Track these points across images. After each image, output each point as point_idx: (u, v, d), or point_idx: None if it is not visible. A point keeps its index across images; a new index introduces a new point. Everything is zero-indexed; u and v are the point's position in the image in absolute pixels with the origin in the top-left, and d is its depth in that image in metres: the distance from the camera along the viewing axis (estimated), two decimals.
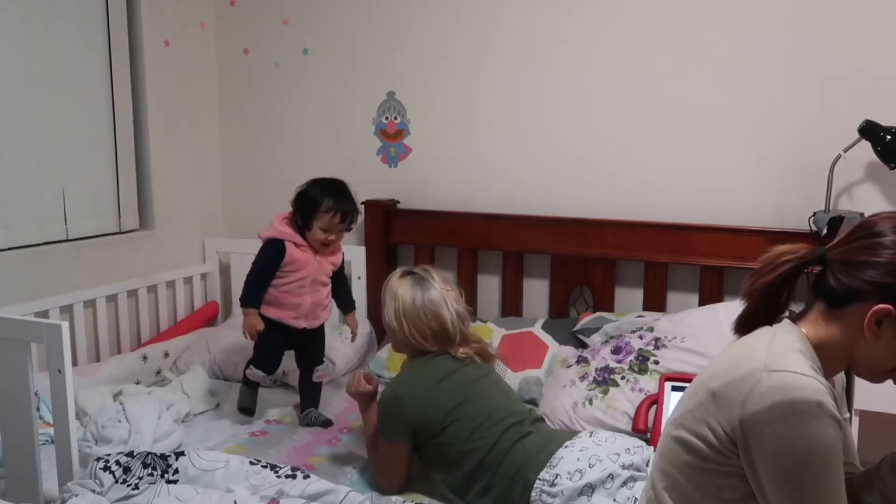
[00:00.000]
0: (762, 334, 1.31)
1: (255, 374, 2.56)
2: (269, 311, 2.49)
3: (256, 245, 3.33)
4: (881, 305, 1.22)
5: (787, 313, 1.35)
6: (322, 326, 2.62)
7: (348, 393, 2.23)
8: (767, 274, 1.32)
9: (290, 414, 2.67)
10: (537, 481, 1.90)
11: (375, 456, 2.13)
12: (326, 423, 2.53)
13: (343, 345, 2.93)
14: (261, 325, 2.46)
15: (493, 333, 2.85)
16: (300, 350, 2.63)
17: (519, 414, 2.09)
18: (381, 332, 3.22)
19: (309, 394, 2.61)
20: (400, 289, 2.15)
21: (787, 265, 1.31)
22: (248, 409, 2.59)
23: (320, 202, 2.42)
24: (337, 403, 2.75)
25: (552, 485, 1.87)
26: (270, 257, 2.46)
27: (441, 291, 2.13)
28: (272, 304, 2.49)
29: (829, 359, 1.29)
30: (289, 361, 2.70)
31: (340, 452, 2.37)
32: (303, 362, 2.63)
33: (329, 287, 2.58)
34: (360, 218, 2.76)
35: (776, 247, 1.34)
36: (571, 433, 2.15)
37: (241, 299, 2.51)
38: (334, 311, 2.70)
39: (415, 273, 2.19)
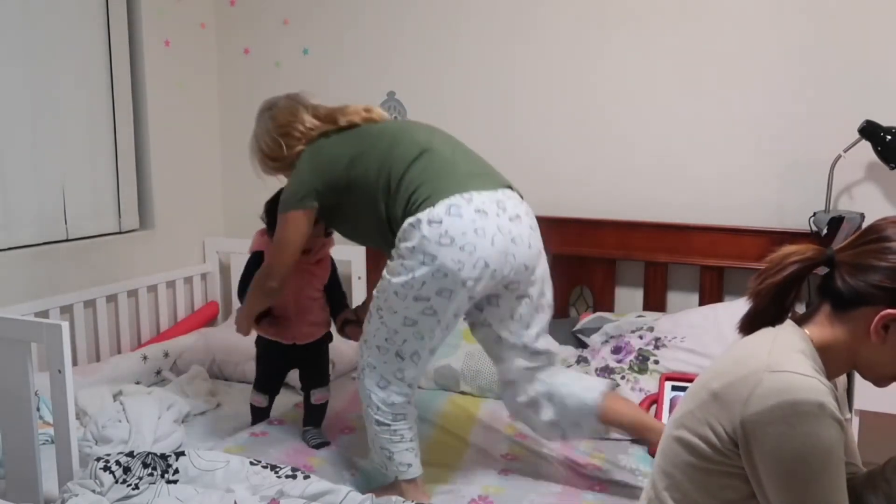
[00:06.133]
0: (764, 335, 1.31)
1: (256, 398, 2.51)
2: (262, 329, 2.41)
3: None
4: (889, 310, 1.22)
5: (790, 314, 1.35)
6: (322, 345, 2.51)
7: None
8: (775, 274, 1.31)
9: (291, 414, 2.67)
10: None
11: (254, 280, 2.19)
12: (320, 446, 2.38)
13: (344, 345, 2.93)
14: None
15: None
16: (301, 369, 2.53)
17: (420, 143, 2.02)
18: None
19: (310, 412, 2.50)
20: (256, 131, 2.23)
21: (795, 266, 1.30)
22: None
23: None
24: (337, 402, 2.74)
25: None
26: (251, 271, 2.32)
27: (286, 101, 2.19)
28: (267, 325, 2.41)
29: (833, 361, 1.29)
30: None
31: (340, 453, 2.37)
32: (303, 381, 2.51)
33: (320, 300, 2.45)
34: None
35: (784, 247, 1.33)
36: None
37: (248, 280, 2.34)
38: None
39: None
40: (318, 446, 2.38)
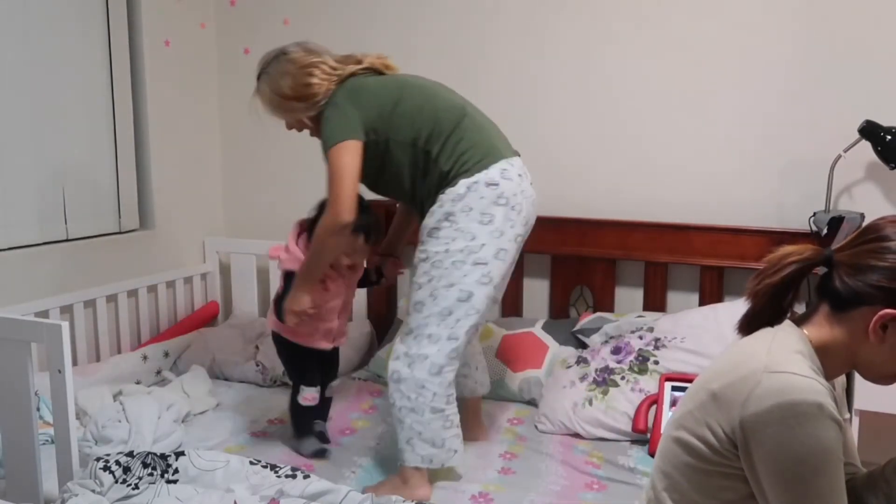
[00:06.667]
0: (763, 335, 1.31)
1: (307, 395, 2.34)
2: (301, 338, 2.31)
3: (256, 245, 3.36)
4: (887, 310, 1.22)
5: (789, 314, 1.35)
6: None
7: (287, 312, 2.16)
8: (773, 275, 1.31)
9: None
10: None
11: (321, 222, 2.05)
12: (323, 438, 2.39)
13: (344, 346, 2.93)
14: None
15: (493, 334, 2.85)
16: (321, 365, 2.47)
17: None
18: (381, 333, 3.22)
19: (325, 405, 2.48)
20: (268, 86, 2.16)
21: (793, 266, 1.30)
22: (322, 449, 2.35)
23: (361, 233, 2.19)
24: (337, 403, 2.74)
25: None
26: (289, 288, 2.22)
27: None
28: (303, 333, 2.31)
29: (832, 361, 1.29)
30: None
31: (340, 452, 2.37)
32: (322, 376, 2.44)
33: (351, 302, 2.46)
34: None
35: (782, 247, 1.33)
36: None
37: (285, 300, 2.21)
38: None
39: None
40: (321, 436, 2.37)
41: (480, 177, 2.01)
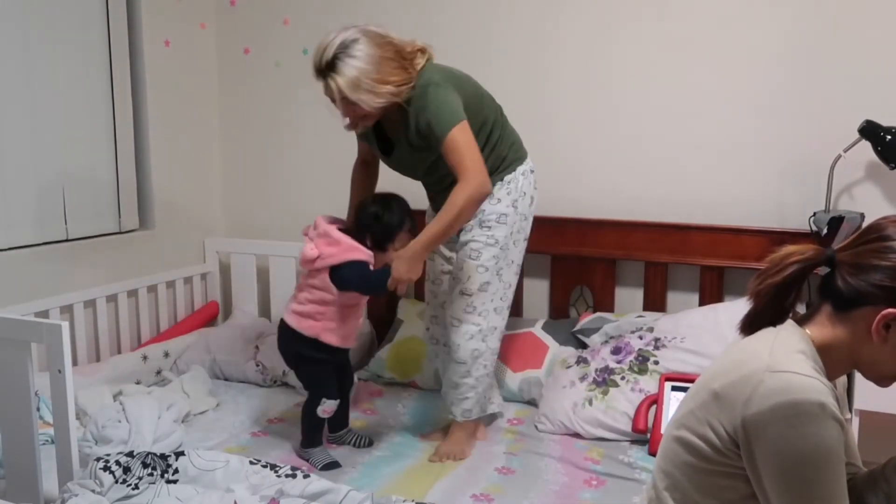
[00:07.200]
0: (765, 335, 1.30)
1: (331, 405, 2.33)
2: (330, 337, 2.29)
3: (256, 245, 3.37)
4: (890, 309, 1.22)
5: (791, 314, 1.35)
6: None
7: (400, 281, 2.15)
8: (775, 274, 1.31)
9: (291, 413, 2.67)
10: None
11: (462, 191, 2.10)
12: (371, 442, 2.44)
13: None
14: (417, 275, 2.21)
15: None
16: (339, 370, 2.45)
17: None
18: (380, 333, 3.22)
19: (346, 411, 2.48)
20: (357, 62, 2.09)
21: (795, 266, 1.30)
22: (334, 462, 2.31)
23: (403, 223, 2.31)
24: None
25: None
26: (362, 271, 2.25)
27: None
28: (335, 331, 2.29)
29: (834, 361, 1.29)
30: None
31: (341, 452, 2.37)
32: (341, 381, 2.43)
33: None
34: None
35: (784, 247, 1.33)
36: None
37: (375, 277, 2.23)
38: None
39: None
40: (327, 467, 2.28)
41: (529, 164, 2.38)
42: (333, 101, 2.14)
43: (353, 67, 2.05)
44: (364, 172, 2.52)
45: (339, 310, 2.28)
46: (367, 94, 2.07)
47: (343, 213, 2.47)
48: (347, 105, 2.11)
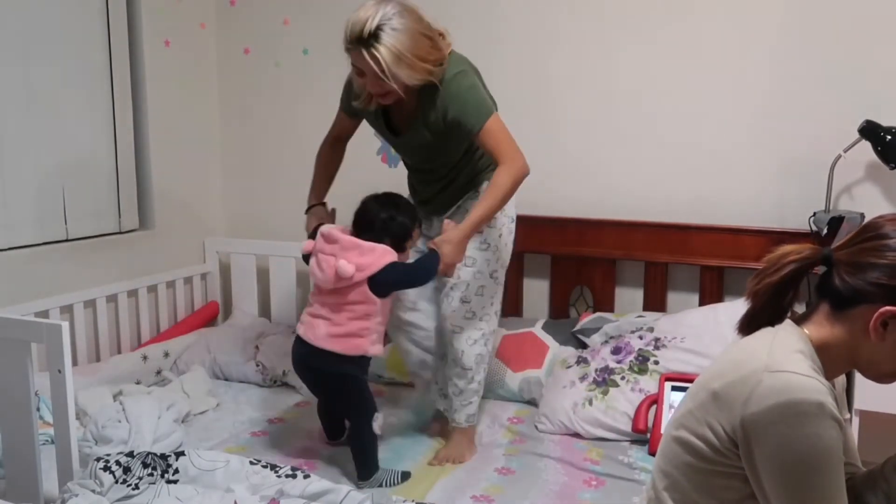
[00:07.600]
0: (763, 335, 1.30)
1: (380, 416, 2.24)
2: (376, 349, 2.21)
3: (256, 245, 3.37)
4: (887, 307, 1.22)
5: (789, 314, 1.35)
6: None
7: (452, 265, 2.15)
8: (772, 274, 1.31)
9: (291, 413, 2.67)
10: None
11: (506, 173, 2.13)
12: (405, 476, 2.24)
13: None
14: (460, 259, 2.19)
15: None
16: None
17: None
18: None
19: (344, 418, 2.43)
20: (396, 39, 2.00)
21: (792, 265, 1.30)
22: (405, 472, 2.24)
23: (416, 220, 2.27)
24: None
25: None
26: (401, 268, 2.21)
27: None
28: (378, 340, 2.21)
29: (833, 360, 1.28)
30: (286, 362, 2.66)
31: (341, 452, 2.37)
32: None
33: None
34: None
35: (781, 247, 1.33)
36: None
37: (422, 267, 2.20)
38: None
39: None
40: (404, 477, 2.23)
41: None
42: (360, 74, 2.08)
43: (398, 40, 1.98)
44: (332, 152, 2.47)
45: (383, 317, 2.21)
46: (406, 69, 2.01)
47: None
48: (377, 79, 2.02)
